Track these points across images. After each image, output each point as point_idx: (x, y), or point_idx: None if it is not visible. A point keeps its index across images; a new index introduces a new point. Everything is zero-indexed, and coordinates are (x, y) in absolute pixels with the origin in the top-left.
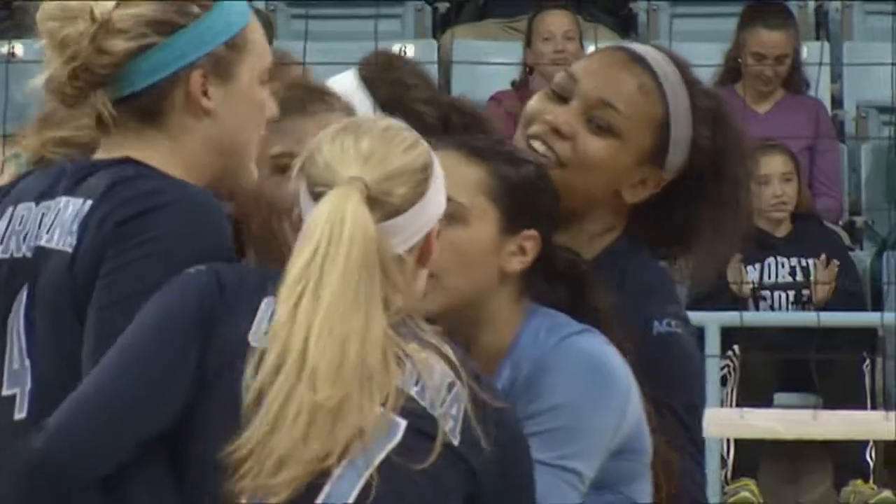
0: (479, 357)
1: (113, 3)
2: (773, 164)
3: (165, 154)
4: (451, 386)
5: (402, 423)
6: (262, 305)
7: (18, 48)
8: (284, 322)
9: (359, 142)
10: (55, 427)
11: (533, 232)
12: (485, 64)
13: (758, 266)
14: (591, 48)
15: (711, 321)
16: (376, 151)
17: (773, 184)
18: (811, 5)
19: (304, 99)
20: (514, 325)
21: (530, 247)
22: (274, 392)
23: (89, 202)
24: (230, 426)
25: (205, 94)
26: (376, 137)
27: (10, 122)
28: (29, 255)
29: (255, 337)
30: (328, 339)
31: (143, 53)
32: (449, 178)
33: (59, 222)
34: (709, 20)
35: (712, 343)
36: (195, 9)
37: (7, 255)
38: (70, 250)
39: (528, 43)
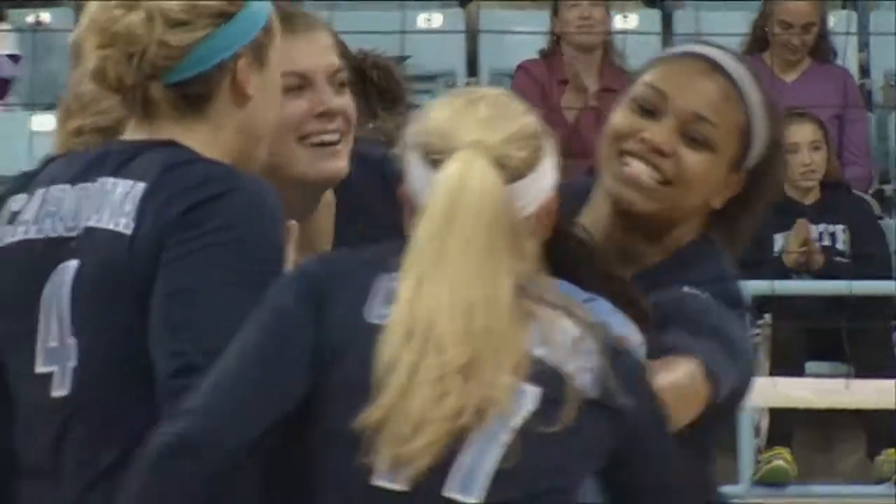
0: None
1: None
2: (802, 133)
3: (203, 140)
4: (580, 340)
5: (534, 390)
6: (377, 282)
7: (45, 16)
8: (410, 291)
9: (474, 107)
10: (197, 409)
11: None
12: (512, 33)
13: (784, 234)
14: (618, 17)
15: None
16: (494, 115)
17: (802, 152)
18: None
19: (285, 20)
20: None
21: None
22: (402, 362)
23: (141, 184)
24: (357, 404)
25: (247, 80)
26: (491, 103)
27: (38, 90)
28: (72, 234)
29: (372, 314)
30: (455, 306)
31: (199, 43)
32: None
33: (108, 203)
34: None
35: None
36: None
37: (41, 236)
38: (128, 232)
39: (555, 11)
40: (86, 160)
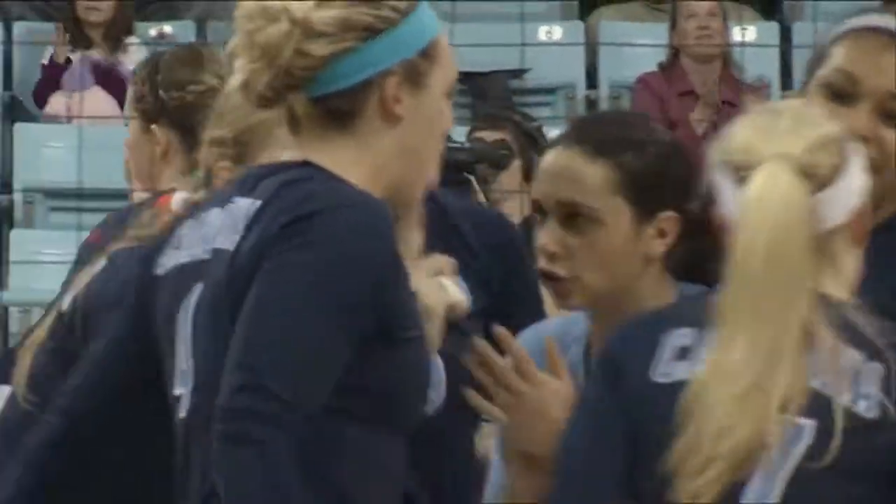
0: None
1: (312, 3)
2: None
3: (349, 159)
4: (863, 364)
5: (809, 423)
6: (664, 338)
7: (167, 28)
8: (723, 342)
9: (776, 119)
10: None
11: (670, 213)
12: (631, 45)
13: None
14: (736, 28)
15: None
16: (797, 124)
17: None
18: None
19: None
20: (669, 300)
21: (670, 227)
22: (702, 401)
23: (258, 202)
24: (654, 458)
25: (397, 101)
26: (792, 114)
27: None
28: (206, 256)
29: (658, 372)
30: (751, 341)
31: (342, 57)
32: (575, 181)
33: (231, 222)
34: (853, 1)
35: None
36: (392, 14)
37: (190, 259)
38: (231, 248)
39: (674, 24)
40: (237, 182)
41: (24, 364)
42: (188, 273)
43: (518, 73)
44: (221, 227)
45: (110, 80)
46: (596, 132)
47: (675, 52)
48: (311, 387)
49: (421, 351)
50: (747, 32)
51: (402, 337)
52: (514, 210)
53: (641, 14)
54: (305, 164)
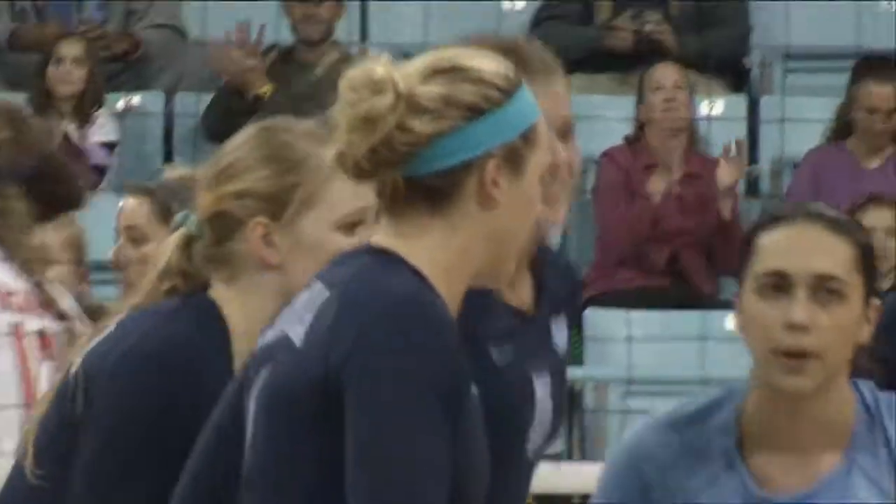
0: (825, 431)
1: (417, 77)
2: (879, 218)
3: (438, 242)
4: None
5: None
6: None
7: (135, 100)
8: None
9: None
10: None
11: (876, 300)
12: (597, 118)
13: None
14: (703, 102)
15: None
16: None
17: (878, 237)
18: None
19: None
20: (852, 398)
21: (874, 316)
22: None
23: (327, 292)
24: None
25: (495, 185)
26: None
27: (129, 172)
28: (273, 340)
29: None
30: None
31: (444, 135)
32: (830, 253)
33: (301, 307)
34: (821, 75)
35: None
36: (497, 94)
37: (265, 342)
38: (297, 341)
39: (640, 98)
40: (331, 260)
41: (28, 437)
42: (259, 356)
43: None
44: (295, 310)
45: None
46: (824, 210)
47: (640, 126)
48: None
49: (474, 439)
50: (714, 106)
51: (464, 427)
52: None
53: (609, 87)
54: (382, 251)
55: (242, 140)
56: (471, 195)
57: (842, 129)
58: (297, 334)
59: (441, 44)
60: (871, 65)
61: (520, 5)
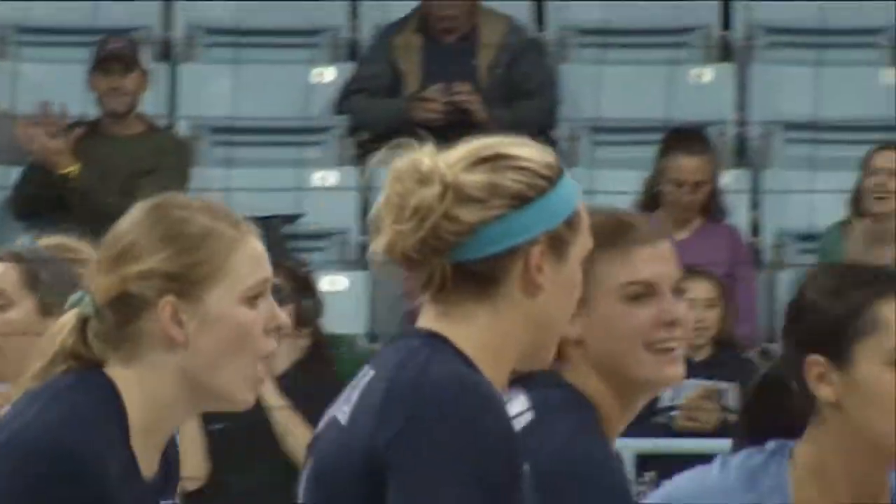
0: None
1: (462, 166)
2: (697, 290)
3: (482, 327)
4: None
5: None
6: None
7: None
8: None
9: None
10: None
11: None
12: None
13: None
14: None
15: (625, 447)
16: None
17: (697, 309)
18: (731, 132)
19: (635, 227)
20: None
21: None
22: None
23: (372, 373)
24: None
25: (539, 270)
26: None
27: None
28: (322, 426)
29: None
30: None
31: (491, 223)
32: None
33: (348, 390)
34: (630, 147)
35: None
36: (541, 182)
37: (319, 427)
38: (343, 422)
39: None
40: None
41: None
42: (310, 444)
43: (293, 219)
44: (343, 394)
45: None
46: None
47: None
48: None
49: None
50: None
51: None
52: (286, 352)
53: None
54: (430, 335)
55: (137, 219)
56: (515, 280)
57: (649, 201)
58: (344, 413)
59: (250, 116)
60: (680, 137)
61: (329, 78)
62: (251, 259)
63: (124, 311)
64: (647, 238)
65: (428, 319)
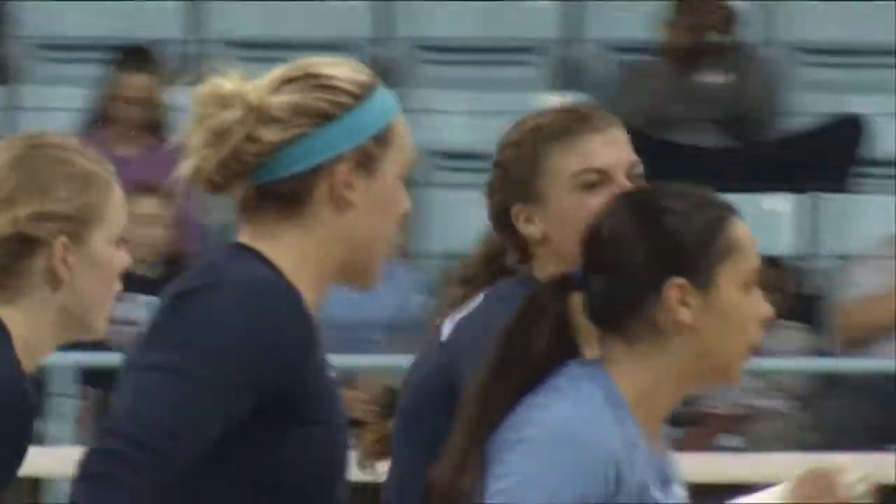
0: None
1: (267, 88)
2: (145, 207)
3: (294, 245)
4: None
5: None
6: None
7: None
8: None
9: None
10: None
11: None
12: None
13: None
14: None
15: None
16: None
17: (145, 226)
18: (179, 50)
19: (588, 117)
20: None
21: None
22: None
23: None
24: None
25: (348, 187)
26: None
27: None
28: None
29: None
30: None
31: (293, 142)
32: None
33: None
34: (76, 66)
35: None
36: (347, 99)
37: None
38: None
39: None
40: None
41: None
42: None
43: None
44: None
45: None
46: None
47: None
48: (184, 444)
49: (329, 438)
50: None
51: (305, 420)
52: None
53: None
54: (238, 246)
55: (9, 160)
56: (323, 199)
57: (98, 117)
58: (143, 320)
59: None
60: (127, 55)
61: None
62: (121, 203)
63: (14, 252)
64: (597, 126)
65: (241, 240)
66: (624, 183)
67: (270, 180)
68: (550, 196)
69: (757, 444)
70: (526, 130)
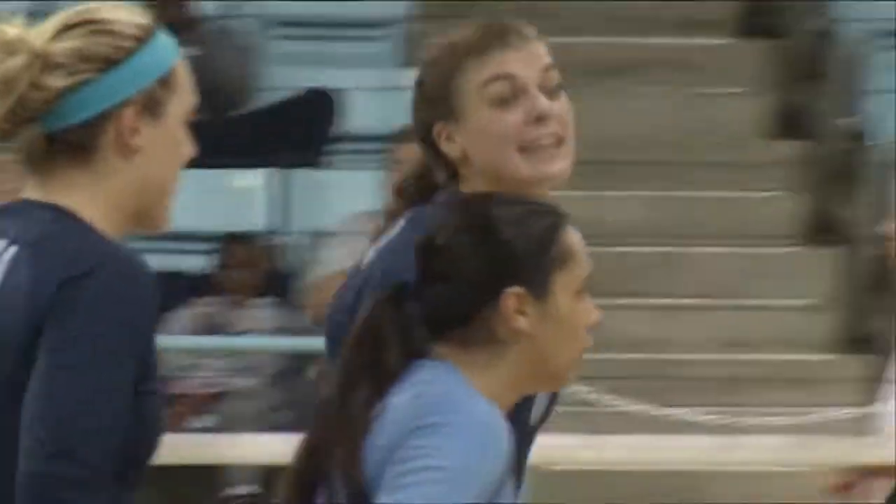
0: None
1: (51, 34)
2: None
3: (88, 195)
4: None
5: None
6: None
7: None
8: None
9: None
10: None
11: None
12: None
13: None
14: None
15: None
16: None
17: None
18: None
19: (504, 32)
20: None
21: None
22: None
23: (14, 248)
24: None
25: (135, 132)
26: None
27: None
28: None
29: None
30: None
31: (79, 89)
32: None
33: None
34: None
35: None
36: (129, 43)
37: None
38: None
39: None
40: None
41: None
42: None
43: None
44: None
45: None
46: None
47: None
48: (111, 451)
49: (154, 403)
50: None
51: (144, 390)
52: None
53: None
54: (52, 207)
55: None
56: (111, 145)
57: None
58: None
59: None
60: None
61: None
62: None
63: None
64: (511, 43)
65: (32, 191)
66: (537, 97)
67: (59, 128)
68: (467, 113)
69: (230, 424)
70: (442, 48)
